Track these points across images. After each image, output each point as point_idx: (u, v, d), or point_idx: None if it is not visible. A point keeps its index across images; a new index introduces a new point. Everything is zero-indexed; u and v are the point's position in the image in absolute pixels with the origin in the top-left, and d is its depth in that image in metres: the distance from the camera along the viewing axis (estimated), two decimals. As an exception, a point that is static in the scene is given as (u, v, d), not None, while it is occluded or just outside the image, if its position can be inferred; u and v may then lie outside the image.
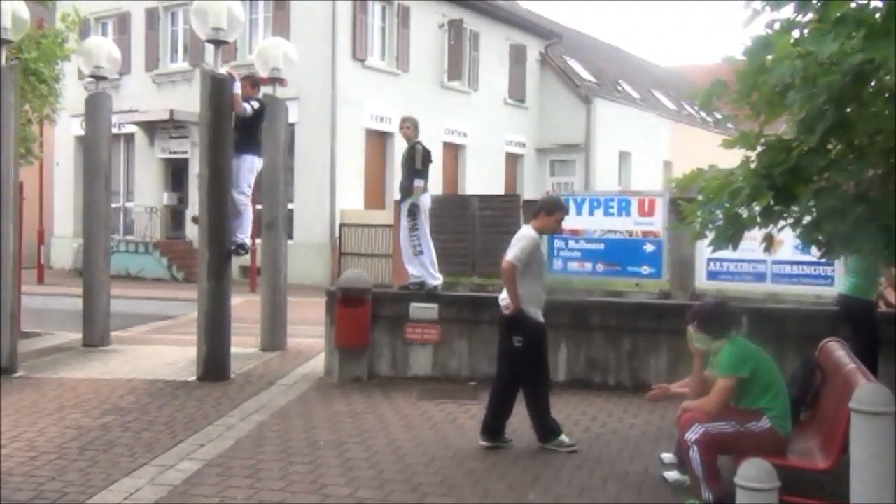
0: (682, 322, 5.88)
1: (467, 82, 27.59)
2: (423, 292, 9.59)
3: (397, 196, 10.50)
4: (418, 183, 9.78)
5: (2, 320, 9.43)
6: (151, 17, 26.22)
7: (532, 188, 28.96)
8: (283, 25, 23.58)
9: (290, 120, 23.22)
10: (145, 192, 26.31)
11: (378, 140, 24.56)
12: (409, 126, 9.93)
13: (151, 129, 26.05)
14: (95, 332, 11.57)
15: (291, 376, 9.69)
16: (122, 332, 13.91)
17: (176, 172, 26.30)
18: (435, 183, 26.38)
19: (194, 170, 25.01)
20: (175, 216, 26.28)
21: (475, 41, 27.84)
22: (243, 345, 11.82)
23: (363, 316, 9.46)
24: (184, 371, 9.75)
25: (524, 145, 30.23)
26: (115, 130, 27.32)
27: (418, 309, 9.56)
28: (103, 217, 11.68)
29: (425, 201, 9.91)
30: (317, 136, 22.98)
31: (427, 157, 9.98)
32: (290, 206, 23.42)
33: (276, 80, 11.60)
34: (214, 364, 9.33)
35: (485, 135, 27.88)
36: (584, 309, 9.32)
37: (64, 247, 27.66)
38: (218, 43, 9.83)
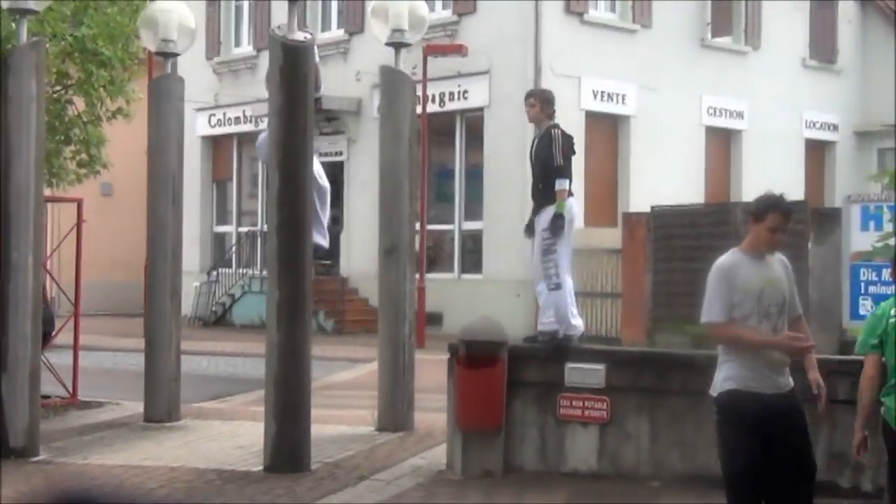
0: None
1: (743, 38, 27.01)
2: (553, 346, 9.49)
3: (633, 207, 10.48)
4: (562, 185, 9.76)
5: (8, 385, 10.10)
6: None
7: (849, 188, 27.81)
8: (465, -30, 24.10)
9: (478, 103, 23.99)
10: (290, 210, 27.61)
11: (604, 127, 24.52)
12: (536, 102, 9.93)
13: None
14: (159, 403, 12.18)
15: (397, 469, 9.78)
16: (216, 403, 14.62)
17: (329, 181, 27.31)
18: (693, 186, 26.06)
19: (355, 177, 26.01)
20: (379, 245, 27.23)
21: (754, -23, 27.25)
22: (358, 422, 12.10)
23: (495, 383, 9.42)
24: (254, 457, 10.07)
25: (836, 128, 29.15)
26: (245, 127, 29.47)
27: (577, 372, 9.41)
28: (169, 244, 12.31)
29: (573, 211, 9.81)
30: (515, 124, 23.18)
31: (569, 145, 9.90)
32: (476, 225, 24.15)
33: (398, 47, 11.82)
34: (286, 449, 9.57)
35: (772, 114, 27.14)
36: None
37: (187, 285, 29.36)
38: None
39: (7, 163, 10.31)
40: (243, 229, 29.68)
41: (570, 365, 9.44)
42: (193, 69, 30.10)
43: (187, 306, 29.10)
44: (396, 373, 11.65)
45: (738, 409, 6.43)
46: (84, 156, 14.27)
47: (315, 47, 10.28)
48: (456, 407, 9.56)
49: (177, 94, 12.54)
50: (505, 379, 9.46)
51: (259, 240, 27.95)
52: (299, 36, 9.95)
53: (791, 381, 6.60)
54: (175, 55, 12.63)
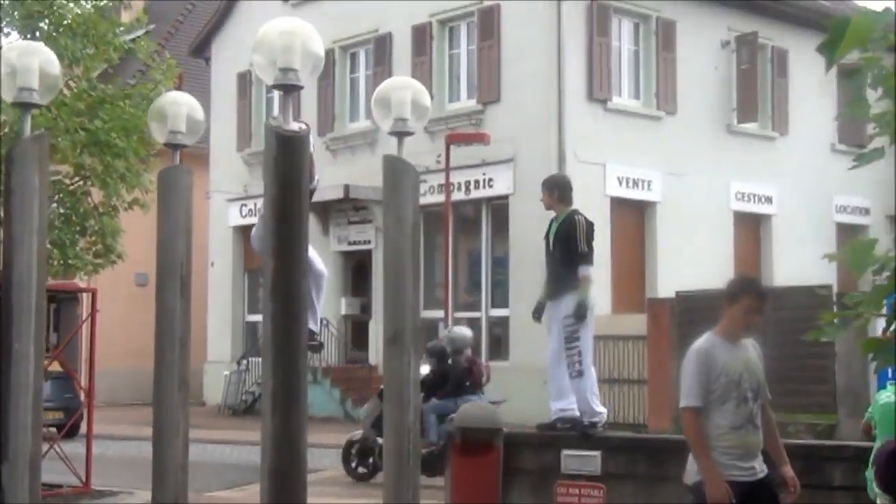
0: None
1: (770, 123, 27.03)
2: (575, 433, 9.39)
3: (661, 293, 10.50)
4: (585, 271, 9.75)
5: (8, 475, 10.13)
6: (325, 60, 27.88)
7: (881, 274, 27.61)
8: (491, 58, 24.36)
9: (503, 191, 24.09)
10: (319, 299, 27.71)
11: (630, 213, 24.53)
12: (550, 189, 9.96)
13: (325, 211, 27.52)
14: (166, 492, 12.03)
15: (394, 558, 9.66)
16: (230, 492, 14.59)
17: (358, 270, 27.54)
18: (722, 272, 25.85)
19: (380, 266, 26.10)
20: (356, 331, 27.38)
21: (780, 62, 27.32)
22: (364, 509, 12.07)
23: (491, 470, 9.40)
24: (253, 550, 10.02)
25: (867, 211, 28.99)
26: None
27: (573, 459, 9.37)
28: (177, 334, 12.31)
29: (594, 299, 9.82)
30: (540, 211, 23.18)
31: (592, 231, 9.93)
32: (503, 312, 24.11)
33: (401, 136, 11.90)
34: (280, 539, 9.48)
35: (802, 198, 27.05)
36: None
37: (217, 374, 29.54)
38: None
39: (10, 254, 10.45)
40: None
41: (566, 452, 9.42)
42: (225, 160, 30.65)
43: (217, 395, 29.28)
44: (401, 461, 11.55)
45: None
46: (100, 246, 14.42)
47: (311, 137, 10.36)
48: (451, 494, 9.51)
49: (185, 185, 12.60)
50: (501, 466, 9.43)
51: (289, 329, 28.05)
52: (294, 126, 10.04)
53: (765, 467, 6.52)
54: (183, 146, 12.72)
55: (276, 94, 29.70)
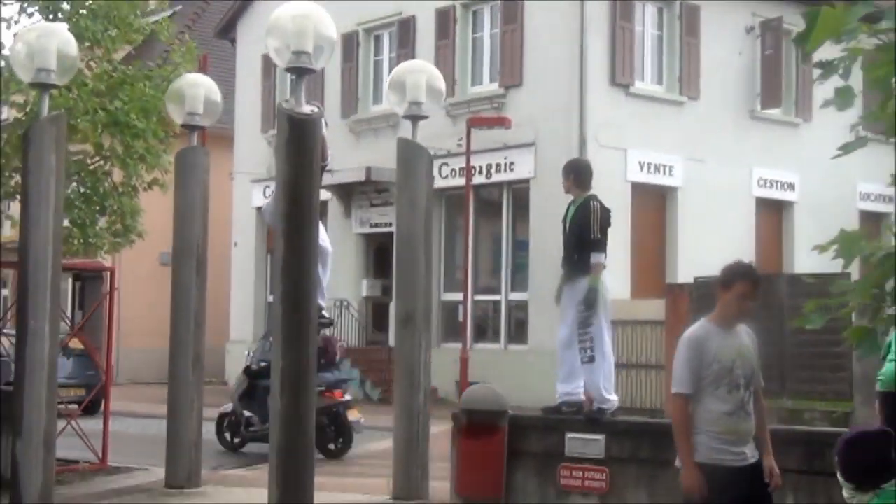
0: None
1: (794, 109, 26.95)
2: (581, 417, 9.47)
3: (681, 279, 10.52)
4: (597, 258, 9.78)
5: (23, 450, 10.32)
6: (349, 43, 28.04)
7: (904, 262, 27.53)
8: (514, 42, 24.40)
9: (524, 175, 24.15)
10: (341, 281, 27.79)
11: (652, 198, 24.54)
12: (568, 173, 9.97)
13: (347, 194, 27.64)
14: (180, 468, 12.33)
15: (400, 537, 9.81)
16: (245, 471, 14.73)
17: (380, 252, 27.64)
18: (744, 258, 25.64)
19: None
20: (377, 312, 27.51)
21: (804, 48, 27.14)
22: (376, 491, 12.15)
23: (495, 452, 9.49)
24: (262, 525, 10.16)
25: (891, 199, 28.78)
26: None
27: (577, 442, 9.44)
28: (192, 312, 12.53)
29: (607, 285, 9.87)
30: (560, 195, 23.20)
31: (607, 218, 9.94)
32: (523, 296, 24.19)
33: (415, 119, 12.02)
34: (288, 517, 9.62)
35: (825, 185, 26.92)
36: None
37: (241, 355, 29.67)
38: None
39: (26, 233, 10.63)
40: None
41: (570, 435, 9.48)
42: (249, 141, 30.80)
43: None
44: (411, 442, 11.68)
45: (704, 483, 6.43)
46: (119, 226, 14.58)
47: (324, 119, 10.47)
48: (457, 475, 9.61)
49: (202, 166, 12.81)
50: (505, 448, 9.52)
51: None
52: (306, 109, 10.15)
53: (757, 453, 6.60)
54: (201, 128, 12.93)
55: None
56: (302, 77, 10.25)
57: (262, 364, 15.54)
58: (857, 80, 5.37)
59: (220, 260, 29.41)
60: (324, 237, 11.27)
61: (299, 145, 10.03)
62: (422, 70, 12.18)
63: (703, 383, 6.51)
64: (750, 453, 6.54)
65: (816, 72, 5.08)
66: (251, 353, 17.72)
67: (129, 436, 18.12)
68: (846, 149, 5.14)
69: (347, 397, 16.63)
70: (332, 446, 16.07)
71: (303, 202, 10.03)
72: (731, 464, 6.43)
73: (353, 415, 16.32)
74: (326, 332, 15.58)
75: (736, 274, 6.68)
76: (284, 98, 10.48)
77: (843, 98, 5.04)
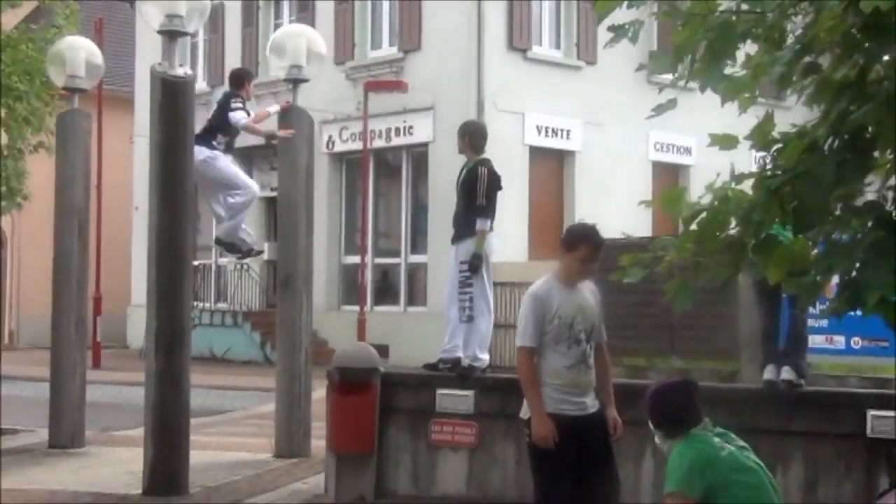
0: None
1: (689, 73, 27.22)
2: (454, 374, 9.64)
3: None
4: (482, 224, 9.79)
5: None
6: (249, 8, 27.89)
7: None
8: (413, 6, 24.45)
9: (423, 139, 24.27)
10: (242, 244, 27.86)
11: (550, 162, 24.81)
12: (462, 135, 10.03)
13: (247, 158, 27.54)
14: (63, 429, 12.40)
15: (276, 493, 9.99)
16: (132, 432, 14.77)
17: (281, 216, 27.60)
18: (641, 221, 26.23)
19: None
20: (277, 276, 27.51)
21: (700, 14, 27.55)
22: (260, 449, 12.29)
23: (366, 408, 9.62)
24: (140, 483, 10.26)
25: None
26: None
27: (447, 398, 9.60)
28: (74, 275, 12.55)
29: (492, 249, 9.96)
30: (458, 159, 23.41)
31: (495, 183, 9.96)
32: (422, 258, 24.38)
33: (296, 82, 12.11)
34: (163, 473, 9.79)
35: (720, 150, 27.33)
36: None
37: (142, 319, 29.57)
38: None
39: None
40: (196, 263, 29.87)
41: (441, 391, 9.63)
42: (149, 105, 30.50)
43: (140, 338, 29.33)
44: (293, 401, 11.87)
45: None
46: (4, 188, 14.51)
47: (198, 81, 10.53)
48: (331, 431, 9.76)
49: (83, 129, 12.81)
50: (377, 404, 9.67)
51: (212, 273, 28.21)
52: (179, 71, 10.22)
53: (598, 403, 6.87)
54: (82, 90, 12.90)
55: (201, 38, 29.70)
56: (174, 40, 10.31)
57: None
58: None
59: (122, 224, 29.25)
60: (251, 182, 11.70)
61: (172, 108, 10.12)
62: (301, 34, 12.28)
63: (545, 338, 6.73)
64: (590, 403, 6.80)
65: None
66: None
67: (22, 398, 18.02)
68: (658, 110, 5.35)
69: None
70: None
71: (176, 165, 10.12)
72: (571, 413, 6.69)
73: None
74: None
75: (580, 237, 6.87)
76: (157, 62, 10.44)
77: (656, 62, 5.28)
